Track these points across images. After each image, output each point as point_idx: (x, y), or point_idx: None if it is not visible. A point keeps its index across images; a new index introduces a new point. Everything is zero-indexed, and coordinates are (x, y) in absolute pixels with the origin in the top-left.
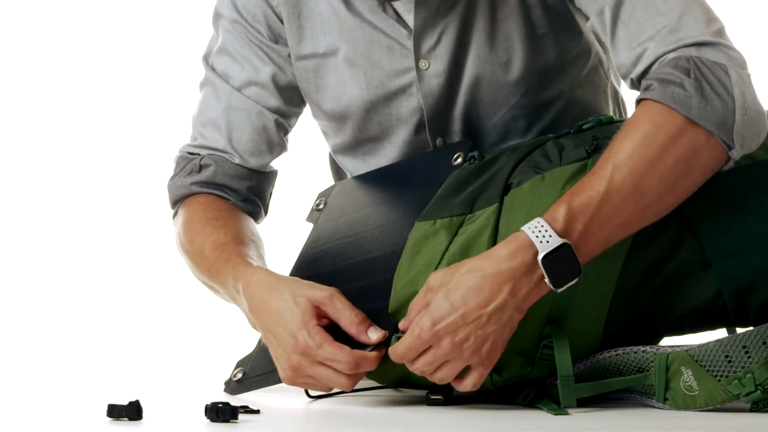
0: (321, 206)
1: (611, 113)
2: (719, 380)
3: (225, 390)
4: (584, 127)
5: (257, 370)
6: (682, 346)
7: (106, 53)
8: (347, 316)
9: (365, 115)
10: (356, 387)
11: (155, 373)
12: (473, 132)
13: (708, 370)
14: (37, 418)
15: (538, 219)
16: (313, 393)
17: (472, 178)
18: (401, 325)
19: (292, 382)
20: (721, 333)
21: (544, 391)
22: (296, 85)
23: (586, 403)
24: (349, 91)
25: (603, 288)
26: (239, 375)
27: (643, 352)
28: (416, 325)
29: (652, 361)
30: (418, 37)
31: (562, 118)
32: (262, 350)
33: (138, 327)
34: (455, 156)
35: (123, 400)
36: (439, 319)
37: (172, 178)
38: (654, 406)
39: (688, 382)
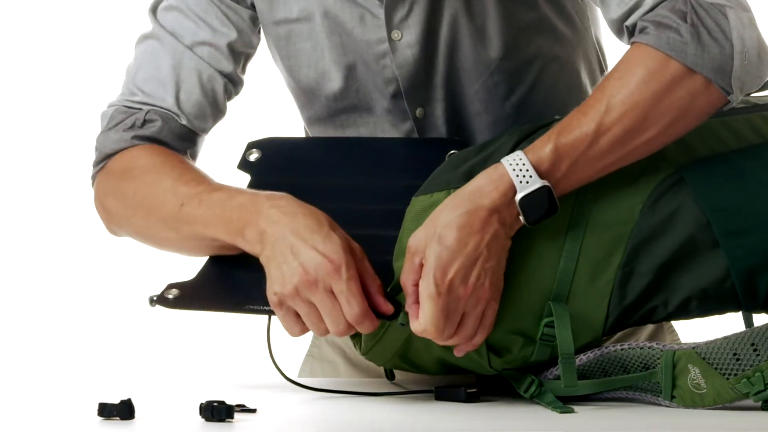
0: (253, 157)
1: (594, 65)
2: (728, 378)
3: (151, 304)
4: None
5: (200, 294)
6: (688, 343)
7: (105, 53)
8: (371, 277)
9: (344, 81)
10: (356, 388)
11: (148, 371)
12: (455, 100)
13: (716, 368)
14: (26, 417)
15: (519, 154)
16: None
17: (471, 155)
18: (408, 305)
19: (280, 303)
20: (731, 325)
21: (544, 384)
22: (246, 51)
23: (592, 401)
24: (324, 59)
25: (606, 265)
26: (174, 293)
27: (649, 348)
28: (426, 287)
29: (658, 358)
30: (390, 7)
31: (542, 76)
32: (208, 279)
33: (130, 324)
34: (449, 154)
35: (114, 399)
36: (446, 269)
37: (105, 131)
38: (661, 405)
39: (695, 380)
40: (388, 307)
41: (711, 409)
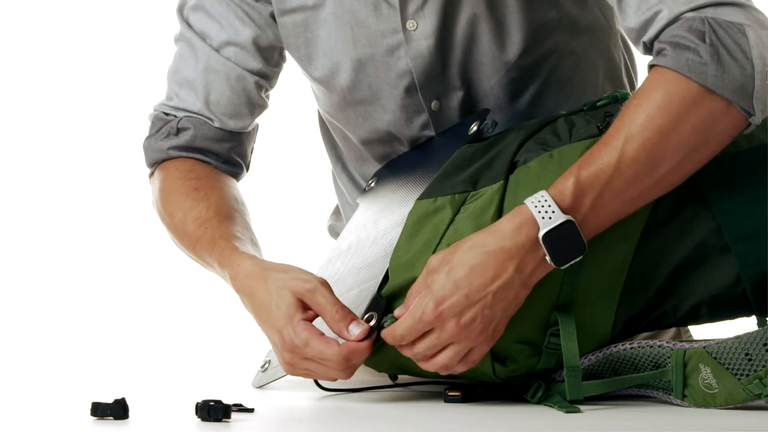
0: (372, 184)
1: (617, 65)
2: (739, 379)
3: (252, 383)
4: (599, 104)
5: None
6: (699, 341)
7: (104, 52)
8: (329, 312)
9: (354, 75)
10: (359, 386)
11: (142, 370)
12: (471, 92)
13: (727, 368)
14: (18, 417)
15: (542, 192)
16: (325, 385)
17: (477, 156)
18: (397, 312)
19: (294, 374)
20: (740, 323)
21: (552, 386)
22: (277, 45)
23: (600, 399)
24: (339, 47)
25: (615, 272)
26: (266, 365)
27: (659, 346)
28: (418, 306)
29: (668, 357)
30: None
31: (557, 71)
32: None
33: (125, 321)
34: (471, 125)
35: (108, 398)
36: (442, 300)
37: (148, 138)
38: (673, 403)
39: (706, 379)
40: (355, 336)
41: (723, 409)
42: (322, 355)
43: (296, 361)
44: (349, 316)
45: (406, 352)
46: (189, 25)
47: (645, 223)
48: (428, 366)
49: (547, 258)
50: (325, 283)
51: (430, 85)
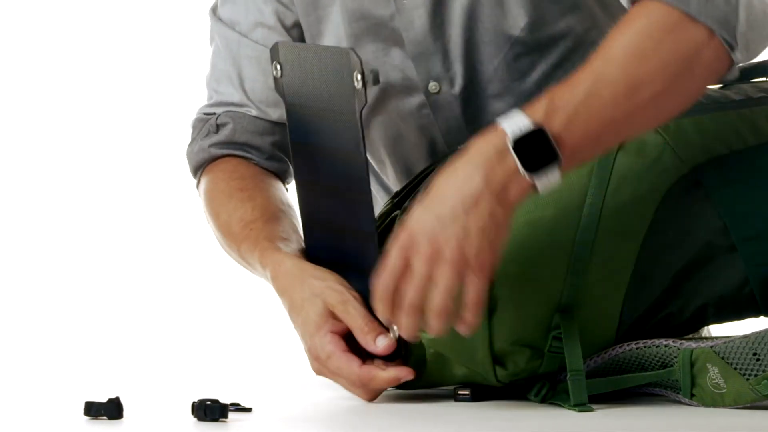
0: (279, 73)
1: None
2: (748, 379)
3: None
4: None
5: None
6: (706, 340)
7: (106, 52)
8: (358, 325)
9: None
10: None
11: (137, 368)
12: (474, 78)
13: (735, 368)
14: (10, 416)
15: (515, 109)
16: None
17: None
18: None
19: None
20: (748, 320)
21: (557, 386)
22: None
23: (610, 398)
24: (341, 25)
25: (618, 273)
26: None
27: (665, 346)
28: (394, 241)
29: (675, 356)
30: None
31: (571, 57)
32: None
33: (119, 319)
34: (354, 74)
35: (102, 397)
36: (413, 224)
37: (191, 144)
38: (681, 402)
39: (714, 379)
40: (379, 349)
41: (733, 408)
42: (341, 372)
43: (321, 369)
44: (377, 330)
45: (402, 303)
46: (219, 19)
47: (650, 223)
48: (432, 318)
49: (519, 166)
50: (358, 297)
51: (425, 65)
